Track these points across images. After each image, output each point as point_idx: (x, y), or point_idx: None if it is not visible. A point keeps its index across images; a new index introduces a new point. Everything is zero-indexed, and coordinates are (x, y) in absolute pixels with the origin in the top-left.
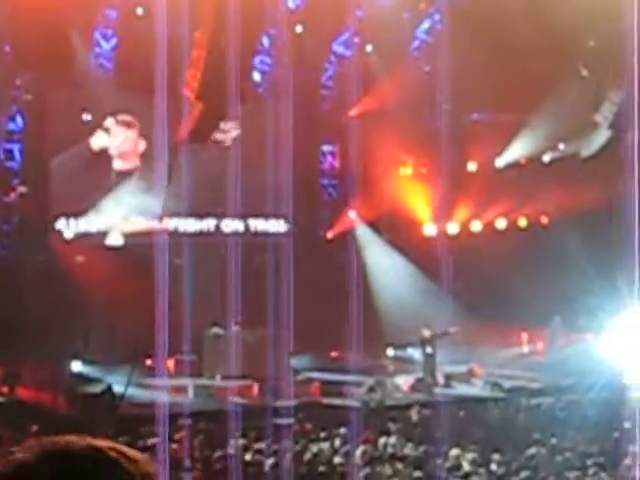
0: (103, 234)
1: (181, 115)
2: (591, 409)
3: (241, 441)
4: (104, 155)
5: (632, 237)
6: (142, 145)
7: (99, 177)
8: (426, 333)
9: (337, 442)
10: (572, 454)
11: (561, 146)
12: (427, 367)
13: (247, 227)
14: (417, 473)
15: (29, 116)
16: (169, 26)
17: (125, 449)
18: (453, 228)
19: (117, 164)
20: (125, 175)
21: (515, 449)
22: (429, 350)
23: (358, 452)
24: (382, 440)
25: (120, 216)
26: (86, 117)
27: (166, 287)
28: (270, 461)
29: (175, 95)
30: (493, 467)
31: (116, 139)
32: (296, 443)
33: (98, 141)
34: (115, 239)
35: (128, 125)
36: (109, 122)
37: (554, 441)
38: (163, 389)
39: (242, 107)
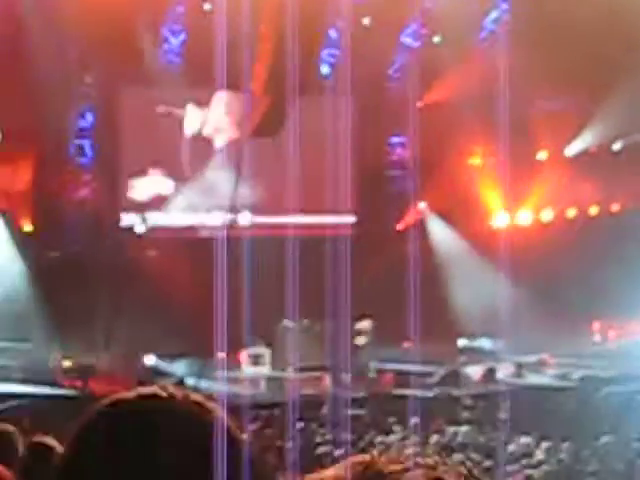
0: (174, 228)
1: (248, 110)
2: None
3: (316, 432)
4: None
5: None
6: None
7: (171, 172)
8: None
9: (409, 432)
10: None
11: (631, 134)
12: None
13: (317, 220)
14: (487, 462)
15: (99, 113)
16: (236, 21)
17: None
18: (524, 218)
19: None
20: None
21: (586, 438)
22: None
23: (430, 441)
24: (452, 429)
25: (191, 209)
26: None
27: (238, 281)
28: (340, 452)
29: (243, 89)
30: (562, 456)
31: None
32: (366, 434)
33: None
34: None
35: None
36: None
37: (625, 430)
38: (235, 382)
39: (310, 100)
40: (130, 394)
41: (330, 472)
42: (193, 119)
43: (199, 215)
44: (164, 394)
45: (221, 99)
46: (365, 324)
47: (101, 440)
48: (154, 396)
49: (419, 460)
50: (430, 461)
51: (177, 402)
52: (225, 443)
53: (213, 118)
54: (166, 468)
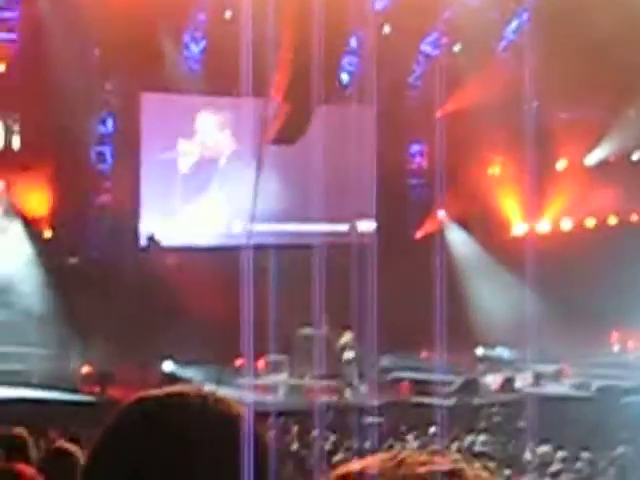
0: (193, 236)
1: (269, 117)
2: None
3: (330, 440)
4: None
5: None
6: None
7: (192, 180)
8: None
9: (427, 440)
10: None
11: None
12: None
13: (335, 228)
14: (507, 471)
15: (119, 119)
16: (257, 29)
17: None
18: (543, 227)
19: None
20: (212, 177)
21: (603, 448)
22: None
23: (449, 450)
24: (470, 438)
25: (210, 218)
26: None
27: (254, 289)
28: (356, 459)
29: (263, 98)
30: (580, 465)
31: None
32: (384, 442)
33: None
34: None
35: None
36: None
37: None
38: (254, 389)
39: (330, 108)
40: (157, 391)
41: (358, 464)
42: (188, 153)
43: (218, 225)
44: (191, 392)
45: (207, 120)
46: (348, 336)
47: (129, 436)
48: (181, 394)
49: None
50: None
51: (206, 400)
52: (252, 442)
53: (209, 140)
54: (195, 464)
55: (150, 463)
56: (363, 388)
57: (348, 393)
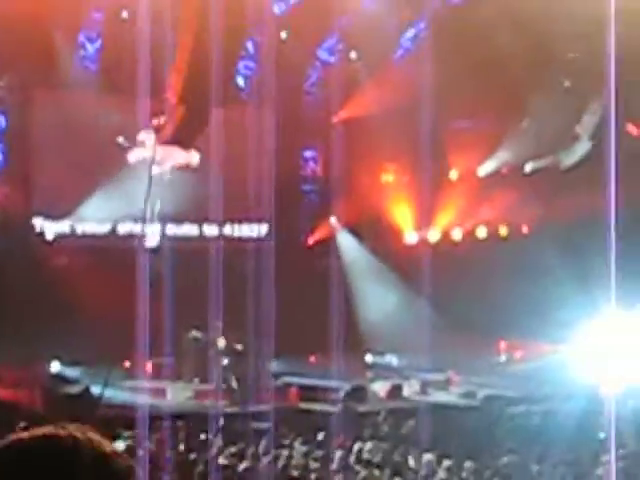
0: (84, 236)
1: (164, 118)
2: (566, 419)
3: (217, 444)
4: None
5: (609, 248)
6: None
7: (84, 178)
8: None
9: (313, 447)
10: (545, 464)
11: (542, 157)
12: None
13: (228, 232)
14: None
15: (11, 117)
16: (154, 30)
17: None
18: (434, 236)
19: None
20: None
21: (489, 457)
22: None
23: (334, 457)
24: (357, 445)
25: (103, 218)
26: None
27: (146, 290)
28: (244, 465)
29: (158, 98)
30: (464, 475)
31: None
32: (272, 447)
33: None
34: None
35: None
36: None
37: (527, 450)
38: (140, 391)
39: (224, 112)
40: (28, 434)
41: None
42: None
43: (110, 224)
44: (62, 434)
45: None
46: (221, 342)
47: None
48: (51, 437)
49: None
50: None
51: (77, 442)
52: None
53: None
54: None
55: None
56: (242, 393)
57: (233, 398)
